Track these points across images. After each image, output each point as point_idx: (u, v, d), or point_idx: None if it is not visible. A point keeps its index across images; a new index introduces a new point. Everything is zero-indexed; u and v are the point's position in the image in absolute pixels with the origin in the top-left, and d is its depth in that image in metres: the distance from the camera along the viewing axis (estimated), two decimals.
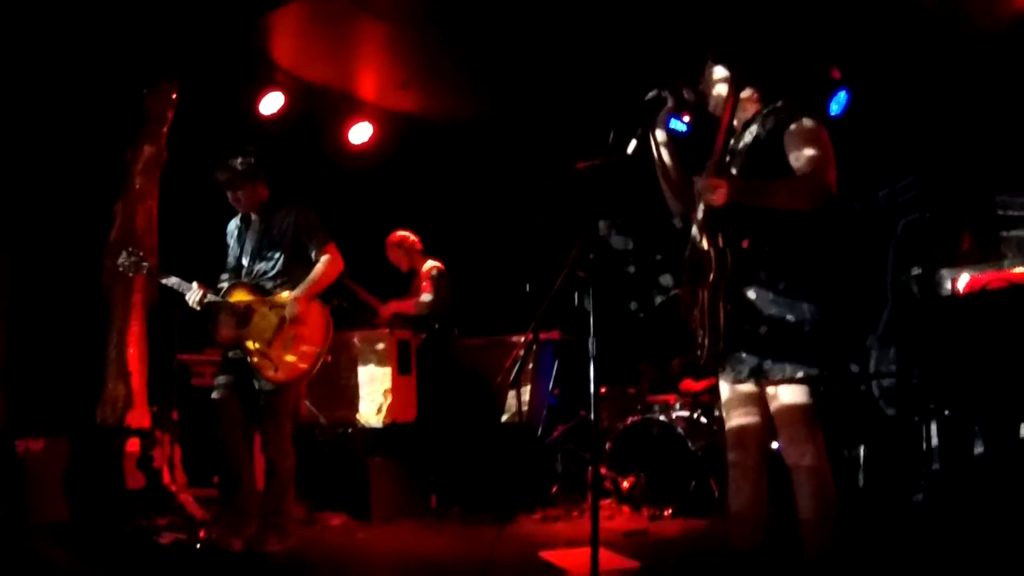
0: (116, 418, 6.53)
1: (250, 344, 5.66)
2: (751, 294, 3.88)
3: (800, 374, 3.84)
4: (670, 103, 4.19)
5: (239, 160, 5.78)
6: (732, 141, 4.11)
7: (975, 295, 5.85)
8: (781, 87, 4.20)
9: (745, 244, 3.87)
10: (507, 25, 7.21)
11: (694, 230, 4.02)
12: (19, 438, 6.04)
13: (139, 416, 6.63)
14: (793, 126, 3.91)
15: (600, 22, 7.14)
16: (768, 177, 3.85)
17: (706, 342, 3.92)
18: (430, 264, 8.13)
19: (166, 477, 6.49)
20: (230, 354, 5.79)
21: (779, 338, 3.85)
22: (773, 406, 3.93)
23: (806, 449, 3.85)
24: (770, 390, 3.93)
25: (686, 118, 5.68)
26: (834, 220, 3.92)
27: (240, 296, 5.75)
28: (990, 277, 5.78)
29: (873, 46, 7.07)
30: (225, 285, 5.82)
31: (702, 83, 4.23)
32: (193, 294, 5.67)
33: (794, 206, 3.80)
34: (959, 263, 6.43)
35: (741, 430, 4.09)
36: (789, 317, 3.84)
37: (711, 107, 4.20)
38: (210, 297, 5.69)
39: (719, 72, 4.17)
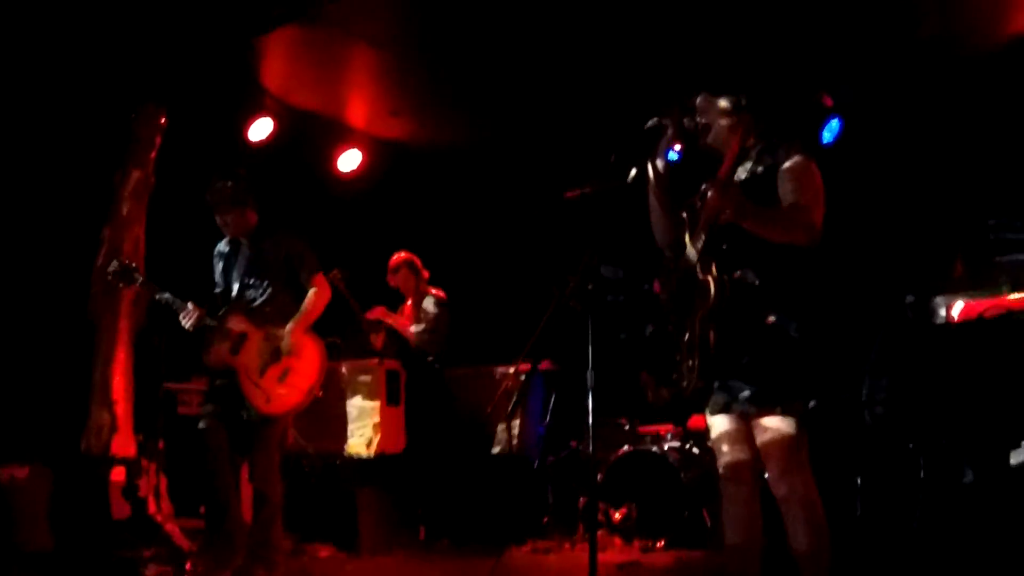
0: (101, 446, 6.41)
1: (242, 372, 5.54)
2: (739, 325, 3.82)
3: (785, 405, 3.79)
4: (670, 132, 4.16)
5: (229, 184, 5.71)
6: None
7: (971, 323, 5.82)
8: (778, 119, 4.20)
9: (736, 275, 3.82)
10: (496, 53, 7.20)
11: (687, 259, 3.96)
12: (3, 466, 5.94)
13: (124, 444, 6.50)
14: (788, 163, 3.89)
15: (589, 50, 7.14)
16: None
17: (694, 373, 3.87)
18: (435, 295, 8.03)
19: (151, 507, 6.36)
20: (217, 382, 5.67)
21: (765, 369, 3.80)
22: (760, 438, 3.86)
23: (795, 480, 3.80)
24: (757, 421, 3.87)
25: (677, 147, 5.68)
26: (820, 254, 3.88)
27: (236, 322, 5.63)
28: (986, 304, 5.75)
29: (866, 74, 7.08)
30: (222, 310, 5.70)
31: (697, 114, 4.20)
32: (188, 315, 5.55)
33: (789, 237, 3.79)
34: (952, 290, 6.39)
35: (733, 462, 4.04)
36: (775, 349, 3.80)
37: (709, 139, 4.16)
38: (206, 320, 5.58)
39: (722, 103, 4.14)
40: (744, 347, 3.81)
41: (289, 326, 5.63)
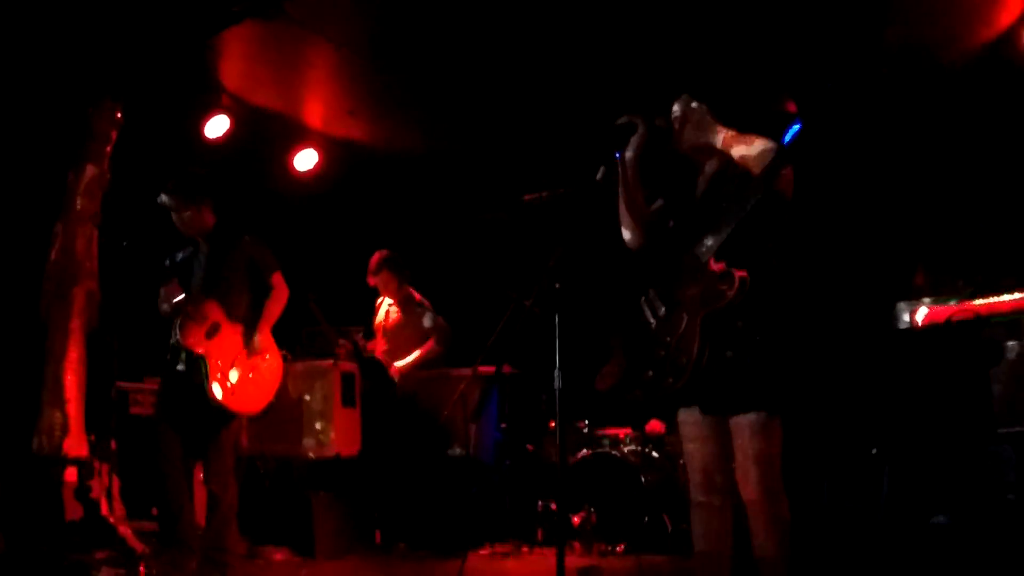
0: (52, 446, 6.25)
1: (212, 360, 5.49)
2: (731, 325, 3.80)
3: (768, 407, 3.78)
4: (641, 130, 4.15)
5: (184, 182, 5.67)
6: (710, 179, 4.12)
7: (938, 327, 5.89)
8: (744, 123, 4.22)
9: (742, 274, 3.80)
10: (455, 55, 7.16)
11: (696, 256, 3.92)
12: None
13: (76, 445, 6.35)
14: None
15: (550, 55, 7.11)
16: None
17: (686, 371, 3.84)
18: (421, 301, 8.06)
19: (104, 508, 6.23)
20: (179, 366, 5.56)
21: (751, 370, 3.78)
22: (735, 440, 3.84)
23: (767, 483, 3.78)
24: (737, 421, 3.85)
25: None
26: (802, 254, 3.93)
27: (211, 309, 5.59)
28: (953, 309, 5.83)
29: (830, 80, 7.11)
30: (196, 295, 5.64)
31: (675, 114, 4.20)
32: (170, 294, 5.52)
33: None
34: (914, 296, 6.47)
35: (706, 464, 4.02)
36: (762, 350, 3.79)
37: (683, 140, 4.16)
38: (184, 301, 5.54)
39: (702, 107, 4.14)
40: (733, 347, 3.79)
41: (259, 325, 5.68)
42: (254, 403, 5.69)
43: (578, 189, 4.34)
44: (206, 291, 5.64)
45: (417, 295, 8.10)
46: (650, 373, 3.98)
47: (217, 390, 5.47)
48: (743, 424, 3.81)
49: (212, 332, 5.55)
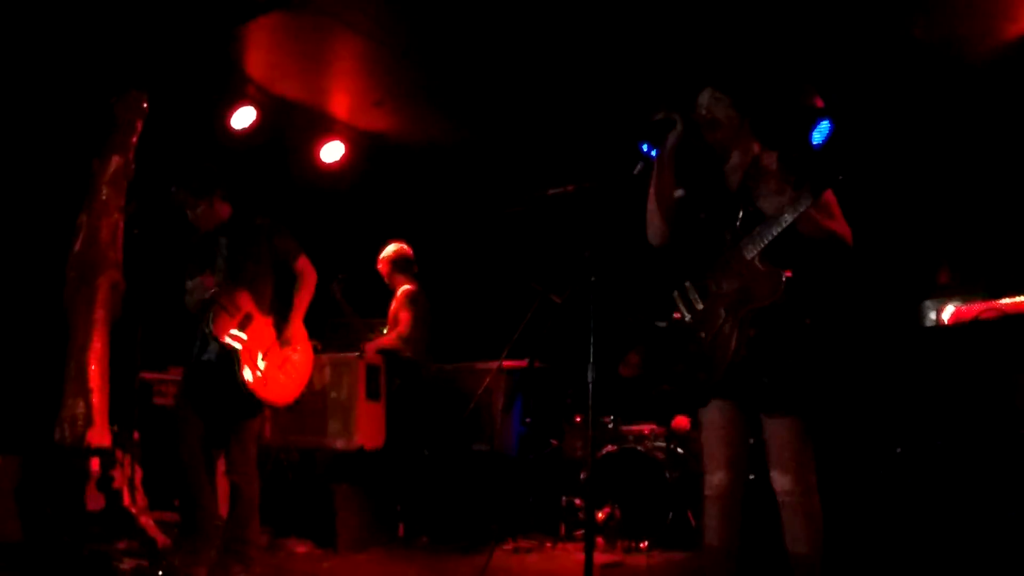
0: (75, 436, 6.25)
1: (244, 351, 5.47)
2: (778, 323, 3.87)
3: (807, 404, 3.84)
4: (679, 126, 4.14)
5: (191, 177, 5.67)
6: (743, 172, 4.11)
7: (965, 325, 5.81)
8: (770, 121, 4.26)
9: (788, 274, 3.84)
10: (481, 47, 7.10)
11: (742, 253, 3.92)
12: None
13: (99, 435, 6.34)
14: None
15: (577, 46, 7.04)
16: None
17: (722, 366, 3.87)
18: (405, 288, 7.89)
19: (126, 499, 6.23)
20: (206, 356, 5.55)
21: (795, 369, 3.85)
22: (773, 436, 3.89)
23: (804, 480, 3.84)
24: (774, 421, 3.89)
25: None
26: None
27: (243, 300, 5.57)
28: (980, 307, 5.74)
29: (858, 75, 7.02)
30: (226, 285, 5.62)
31: (703, 108, 4.19)
32: (201, 286, 5.52)
33: (836, 248, 3.92)
34: (940, 295, 6.39)
35: (730, 459, 4.02)
36: (806, 349, 3.87)
37: (717, 134, 4.15)
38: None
39: (729, 101, 4.14)
40: (778, 344, 3.84)
41: (291, 316, 5.70)
42: (285, 394, 5.67)
43: (611, 183, 4.34)
44: (232, 278, 5.60)
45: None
46: (681, 367, 3.98)
47: (250, 379, 5.45)
48: (783, 424, 3.87)
49: (245, 323, 5.53)
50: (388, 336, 7.72)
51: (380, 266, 7.98)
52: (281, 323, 5.66)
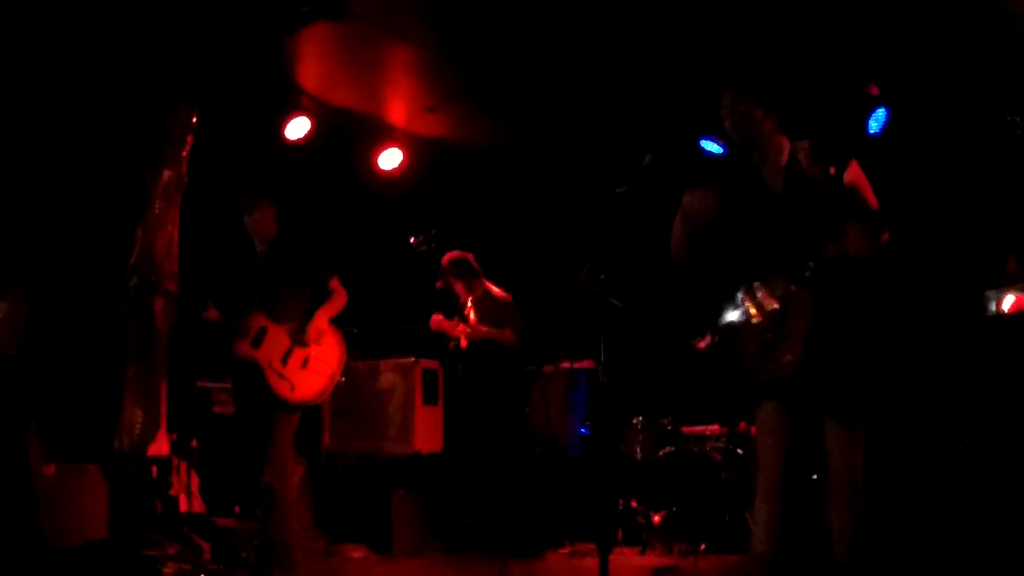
0: (133, 444, 6.41)
1: (265, 365, 5.59)
2: (843, 331, 3.86)
3: (867, 417, 3.87)
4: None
5: (258, 186, 5.88)
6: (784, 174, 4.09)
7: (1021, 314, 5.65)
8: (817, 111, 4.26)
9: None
10: (531, 49, 7.07)
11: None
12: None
13: (158, 443, 6.50)
14: (848, 171, 3.94)
15: (625, 44, 6.98)
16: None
17: (789, 366, 3.85)
18: (501, 292, 7.67)
19: (183, 505, 6.36)
20: (239, 382, 5.74)
21: (858, 375, 3.86)
22: (835, 440, 3.88)
23: (855, 483, 3.86)
24: (835, 426, 3.88)
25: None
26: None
27: (255, 319, 5.69)
28: None
29: (912, 60, 6.82)
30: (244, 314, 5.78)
31: (726, 110, 4.15)
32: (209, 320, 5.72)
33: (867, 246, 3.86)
34: (1004, 284, 6.20)
35: (782, 461, 3.98)
36: (868, 357, 3.88)
37: (743, 134, 4.10)
38: (225, 321, 5.70)
39: (754, 100, 4.09)
40: (844, 352, 3.84)
41: (312, 319, 5.75)
42: (313, 388, 5.72)
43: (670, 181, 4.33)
44: (263, 293, 5.75)
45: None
46: (747, 365, 3.94)
47: (280, 389, 5.57)
48: (843, 429, 3.86)
49: (259, 338, 5.63)
50: (503, 332, 7.45)
51: (454, 270, 7.68)
52: (297, 327, 5.73)
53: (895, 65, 6.87)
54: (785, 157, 4.07)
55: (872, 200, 3.95)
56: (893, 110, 6.99)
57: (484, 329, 7.32)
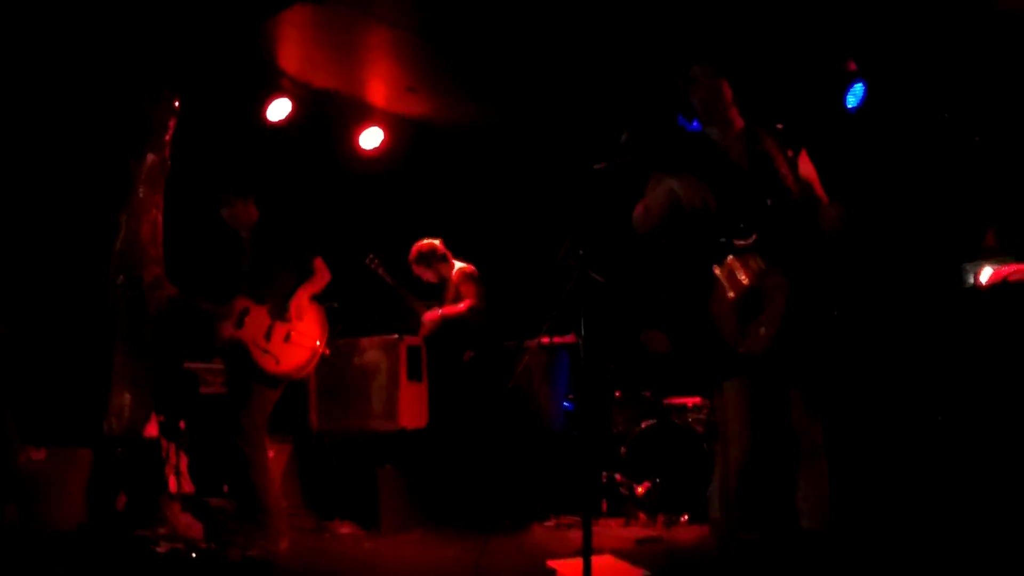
0: (122, 427, 6.47)
1: (250, 343, 5.85)
2: (812, 299, 4.02)
3: (833, 379, 4.09)
4: None
5: (234, 179, 6.14)
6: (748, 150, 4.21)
7: (997, 287, 5.74)
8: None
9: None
10: (511, 29, 7.11)
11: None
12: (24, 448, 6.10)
13: (146, 425, 6.57)
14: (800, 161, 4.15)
15: (609, 26, 7.02)
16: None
17: (764, 340, 3.96)
18: (461, 266, 7.82)
19: (172, 485, 6.44)
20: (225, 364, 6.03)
21: (826, 351, 4.05)
22: (801, 405, 4.04)
23: (820, 444, 4.04)
24: (799, 391, 4.04)
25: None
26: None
27: (238, 302, 5.95)
28: (1012, 268, 5.66)
29: (890, 34, 6.87)
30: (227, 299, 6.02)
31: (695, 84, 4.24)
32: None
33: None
34: (980, 257, 6.29)
35: (744, 434, 4.06)
36: (837, 330, 4.09)
37: (705, 112, 4.25)
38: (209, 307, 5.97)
39: (721, 78, 4.24)
40: (816, 326, 4.01)
41: (292, 297, 5.98)
42: (297, 360, 5.97)
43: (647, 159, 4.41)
44: (250, 277, 5.97)
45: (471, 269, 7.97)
46: (724, 340, 4.02)
47: (266, 364, 5.85)
48: (808, 398, 4.04)
49: (241, 318, 5.90)
50: (456, 306, 7.63)
51: (418, 263, 7.86)
52: (279, 303, 5.96)
53: (873, 39, 6.94)
54: (744, 136, 4.19)
55: (822, 194, 4.14)
56: (871, 84, 7.07)
57: (439, 312, 7.60)
